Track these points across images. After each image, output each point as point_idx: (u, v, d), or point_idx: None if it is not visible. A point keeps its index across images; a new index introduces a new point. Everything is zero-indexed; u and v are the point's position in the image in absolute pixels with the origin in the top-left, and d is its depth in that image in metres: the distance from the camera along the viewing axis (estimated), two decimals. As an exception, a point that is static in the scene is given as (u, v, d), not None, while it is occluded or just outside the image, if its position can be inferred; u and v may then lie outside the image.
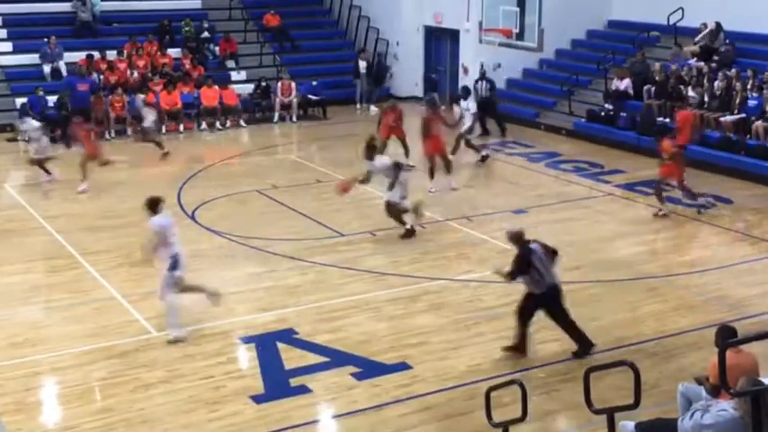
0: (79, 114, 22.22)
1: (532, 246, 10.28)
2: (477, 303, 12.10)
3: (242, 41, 27.42)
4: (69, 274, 13.27)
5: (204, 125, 24.18)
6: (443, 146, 17.90)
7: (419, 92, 26.80)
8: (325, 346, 10.78)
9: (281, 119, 25.14)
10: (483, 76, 23.91)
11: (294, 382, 9.95)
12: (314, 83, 26.32)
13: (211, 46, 26.77)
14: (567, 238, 14.84)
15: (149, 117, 20.96)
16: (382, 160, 15.05)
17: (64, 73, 24.34)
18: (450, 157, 19.03)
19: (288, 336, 11.08)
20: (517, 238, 10.41)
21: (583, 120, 23.03)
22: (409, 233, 14.77)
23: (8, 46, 25.16)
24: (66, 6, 26.45)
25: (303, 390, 9.76)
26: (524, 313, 10.42)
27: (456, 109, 20.13)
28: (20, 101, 22.99)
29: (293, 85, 25.50)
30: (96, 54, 24.65)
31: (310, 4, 29.90)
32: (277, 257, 13.68)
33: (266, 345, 10.82)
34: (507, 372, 9.87)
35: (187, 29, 26.62)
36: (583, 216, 16.26)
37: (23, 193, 18.02)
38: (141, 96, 22.53)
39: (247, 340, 10.99)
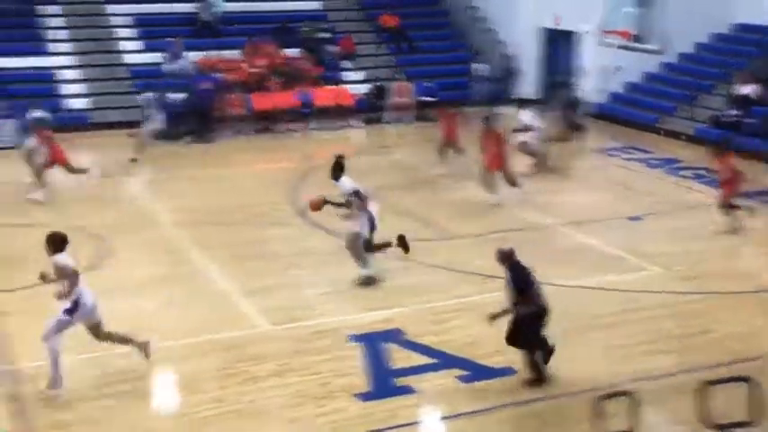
0: (200, 112, 22.86)
1: (523, 263, 9.82)
2: (586, 310, 11.88)
3: (359, 42, 27.67)
4: (183, 268, 13.62)
5: (319, 124, 24.48)
6: (501, 160, 16.89)
7: (537, 95, 26.48)
8: (432, 348, 10.77)
9: (396, 120, 25.27)
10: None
11: (399, 382, 9.98)
12: (429, 84, 26.31)
13: (329, 47, 27.06)
14: (685, 247, 14.46)
15: (158, 118, 20.85)
16: (346, 183, 13.03)
17: (187, 72, 25.00)
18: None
19: (394, 336, 11.12)
20: (507, 256, 9.82)
21: (705, 125, 22.39)
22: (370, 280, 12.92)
23: (139, 45, 26.02)
24: (189, 7, 27.20)
25: (408, 390, 9.78)
26: (522, 338, 9.81)
27: (523, 114, 19.37)
28: (143, 97, 23.75)
29: (410, 86, 25.59)
30: (216, 53, 25.29)
31: (428, 5, 29.94)
32: (385, 258, 13.72)
33: (373, 344, 10.88)
34: (616, 381, 9.65)
35: (306, 29, 27.02)
36: (701, 225, 15.76)
37: (142, 188, 18.59)
38: (151, 94, 21.63)
39: (355, 339, 11.07)
